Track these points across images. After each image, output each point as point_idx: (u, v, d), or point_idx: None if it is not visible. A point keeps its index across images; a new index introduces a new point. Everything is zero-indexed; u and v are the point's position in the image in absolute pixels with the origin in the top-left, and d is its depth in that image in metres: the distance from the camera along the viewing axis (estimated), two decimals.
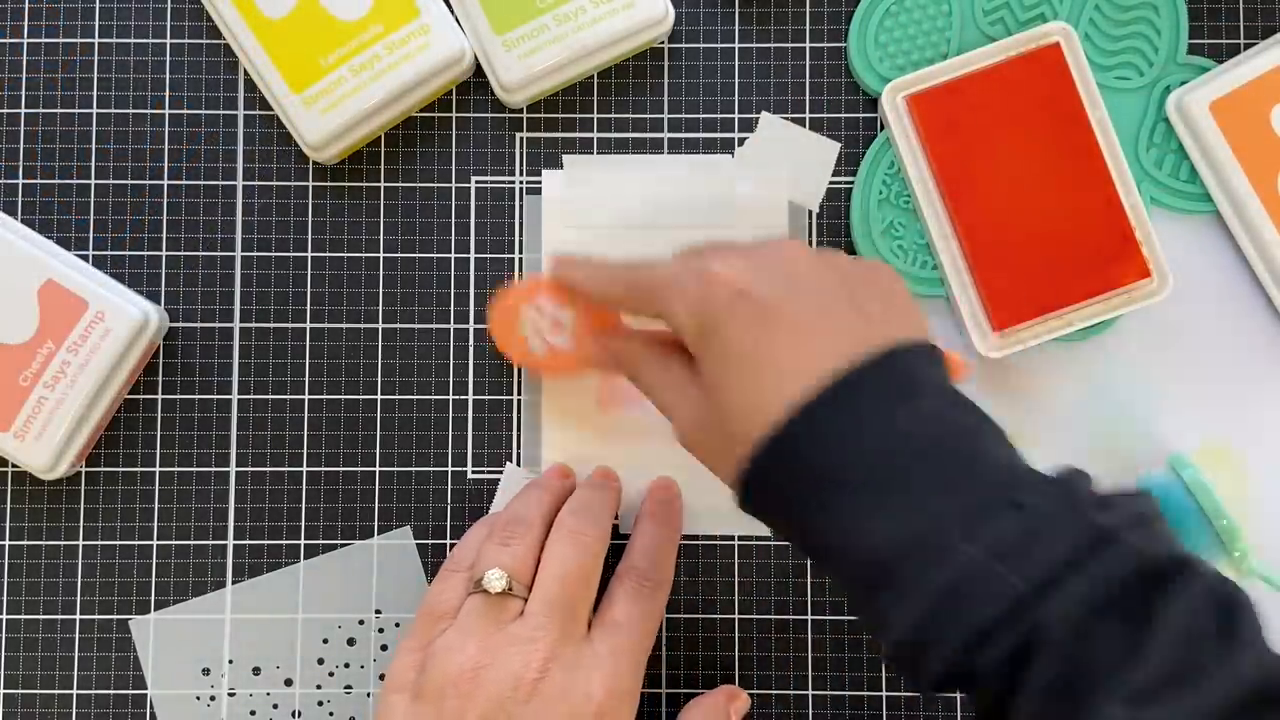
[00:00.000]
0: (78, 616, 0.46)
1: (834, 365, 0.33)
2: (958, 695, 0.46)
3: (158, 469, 0.47)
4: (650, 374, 0.39)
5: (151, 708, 0.46)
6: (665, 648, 0.47)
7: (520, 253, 0.48)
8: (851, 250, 0.47)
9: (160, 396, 0.47)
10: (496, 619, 0.39)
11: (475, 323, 0.47)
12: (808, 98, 0.48)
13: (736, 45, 0.48)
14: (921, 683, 0.32)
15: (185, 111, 0.48)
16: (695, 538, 0.47)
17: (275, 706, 0.46)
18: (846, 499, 0.32)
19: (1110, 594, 0.29)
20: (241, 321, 0.47)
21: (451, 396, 0.47)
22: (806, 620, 0.47)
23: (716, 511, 0.47)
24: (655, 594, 0.42)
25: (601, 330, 0.43)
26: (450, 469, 0.47)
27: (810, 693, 0.46)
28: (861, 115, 0.48)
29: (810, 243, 0.47)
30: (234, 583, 0.47)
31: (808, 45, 0.48)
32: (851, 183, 0.47)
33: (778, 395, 0.33)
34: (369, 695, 0.46)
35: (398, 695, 0.39)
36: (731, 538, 0.47)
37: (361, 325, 0.47)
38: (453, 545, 0.47)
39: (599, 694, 0.38)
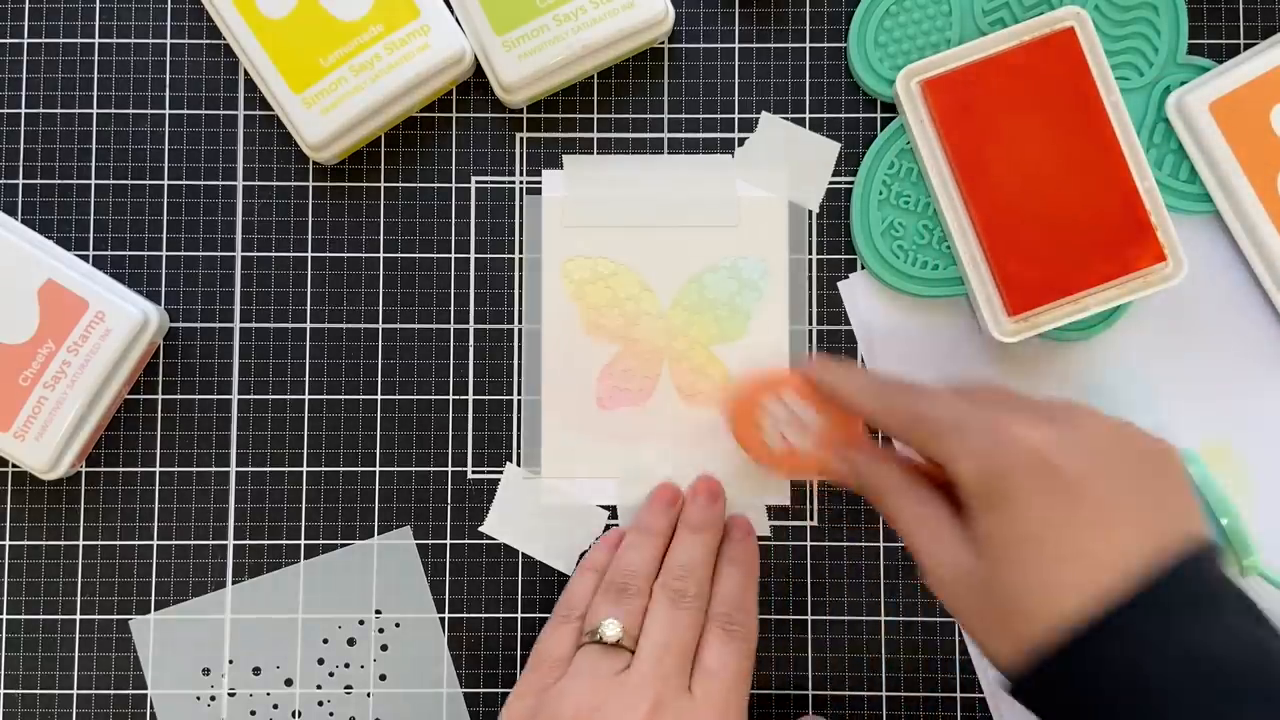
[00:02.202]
0: (78, 616, 0.46)
1: (1139, 560, 0.32)
2: (957, 694, 0.46)
3: (158, 469, 0.47)
4: (906, 509, 0.37)
5: (151, 708, 0.46)
6: None
7: (520, 253, 0.48)
8: (851, 250, 0.47)
9: (160, 396, 0.47)
10: (609, 668, 0.39)
11: (475, 323, 0.47)
12: (808, 98, 0.48)
13: (736, 45, 0.48)
14: None
15: (185, 111, 0.48)
16: None
17: (275, 706, 0.46)
18: (1153, 716, 0.30)
19: None
20: (241, 321, 0.47)
21: (451, 396, 0.47)
22: (807, 620, 0.47)
23: None
24: (745, 635, 0.41)
25: (846, 442, 0.42)
26: (450, 469, 0.47)
27: (810, 693, 0.46)
28: (861, 115, 0.48)
29: (810, 244, 0.47)
30: (234, 583, 0.47)
31: (808, 45, 0.48)
32: (851, 183, 0.47)
33: (1081, 586, 0.32)
34: (369, 695, 0.46)
35: None
36: None
37: (361, 325, 0.47)
38: (453, 545, 0.47)
39: None
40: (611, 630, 0.40)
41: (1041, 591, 0.32)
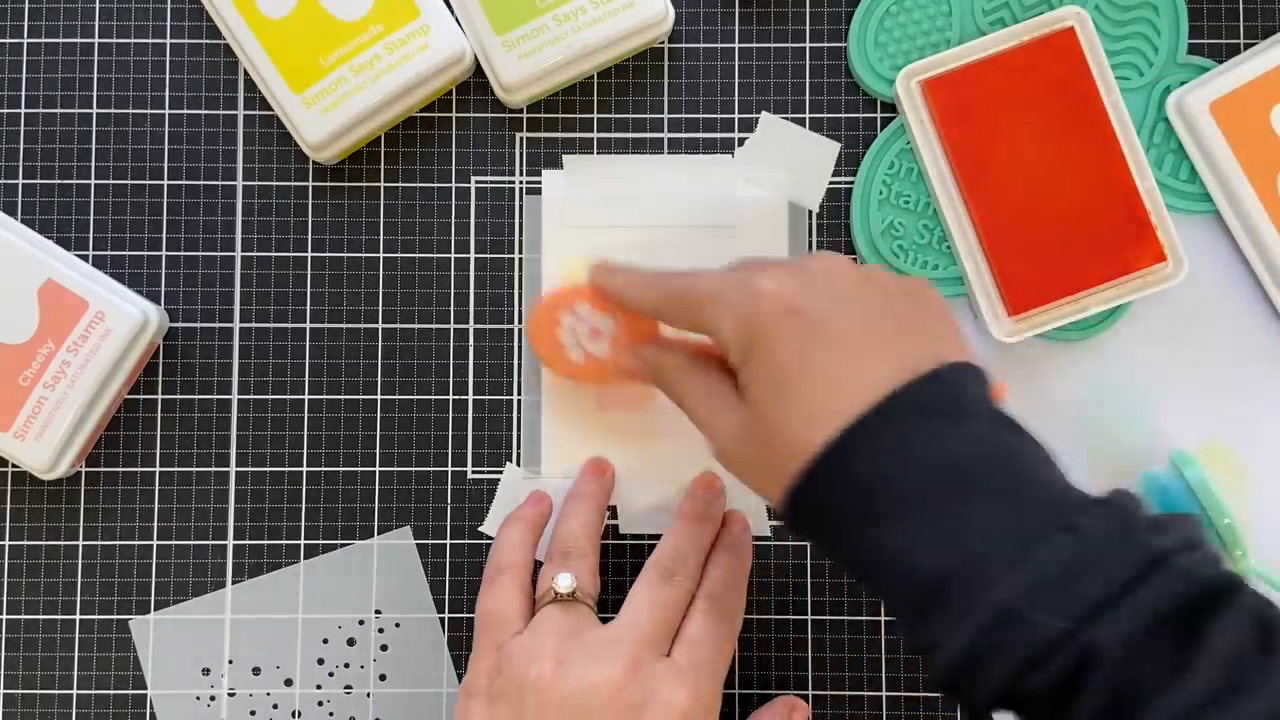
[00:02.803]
0: (78, 616, 0.46)
1: (884, 383, 0.33)
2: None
3: (158, 469, 0.47)
4: (688, 386, 0.39)
5: (151, 708, 0.46)
6: None
7: (520, 253, 0.48)
8: (851, 250, 0.47)
9: (160, 396, 0.47)
10: (571, 624, 0.39)
11: (475, 323, 0.47)
12: (808, 98, 0.48)
13: (736, 45, 0.48)
14: (970, 706, 0.32)
15: (185, 111, 0.48)
16: None
17: (275, 706, 0.46)
18: (897, 517, 0.32)
19: (1161, 617, 0.29)
20: (241, 321, 0.47)
21: (451, 396, 0.47)
22: (806, 620, 0.47)
23: None
24: (730, 617, 0.42)
25: (640, 341, 0.43)
26: (450, 469, 0.47)
27: (810, 693, 0.46)
28: (861, 115, 0.48)
29: (810, 245, 0.47)
30: (234, 583, 0.47)
31: (808, 45, 0.48)
32: (851, 183, 0.47)
33: (829, 412, 0.33)
34: (369, 695, 0.46)
35: (474, 700, 0.39)
36: None
37: (361, 325, 0.47)
38: (453, 545, 0.47)
39: (681, 704, 0.38)
40: (564, 582, 0.40)
41: (794, 426, 0.34)
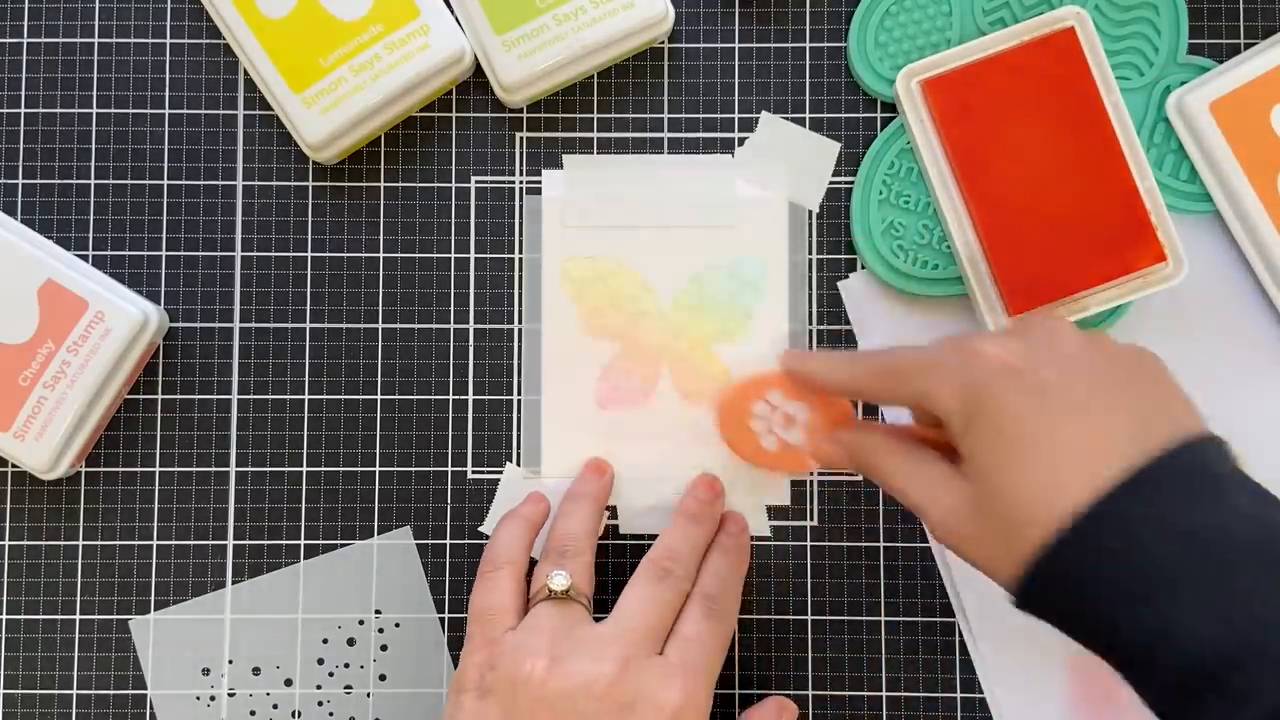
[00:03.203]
0: (78, 616, 0.46)
1: (1129, 452, 0.31)
2: (957, 694, 0.46)
3: (158, 469, 0.47)
4: (897, 465, 0.37)
5: (151, 708, 0.46)
6: None
7: (520, 253, 0.48)
8: (851, 250, 0.47)
9: (160, 396, 0.47)
10: (566, 621, 0.39)
11: (475, 323, 0.47)
12: (808, 98, 0.48)
13: (736, 45, 0.48)
14: None
15: (185, 111, 0.48)
16: None
17: (275, 706, 0.46)
18: (1158, 595, 0.30)
19: None
20: (241, 321, 0.47)
21: (451, 396, 0.47)
22: (806, 620, 0.47)
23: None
24: (724, 618, 0.41)
25: (835, 425, 0.42)
26: (450, 469, 0.47)
27: (810, 693, 0.46)
28: (861, 115, 0.48)
29: (810, 244, 0.47)
30: (234, 583, 0.47)
31: (808, 45, 0.48)
32: (851, 183, 0.47)
33: (1071, 481, 0.31)
34: (369, 695, 0.46)
35: (465, 695, 0.39)
36: None
37: (361, 325, 0.47)
38: (453, 545, 0.47)
39: (673, 701, 0.37)
40: (559, 580, 0.40)
41: (1031, 496, 0.32)
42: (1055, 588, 0.32)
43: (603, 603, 0.42)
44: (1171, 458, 0.31)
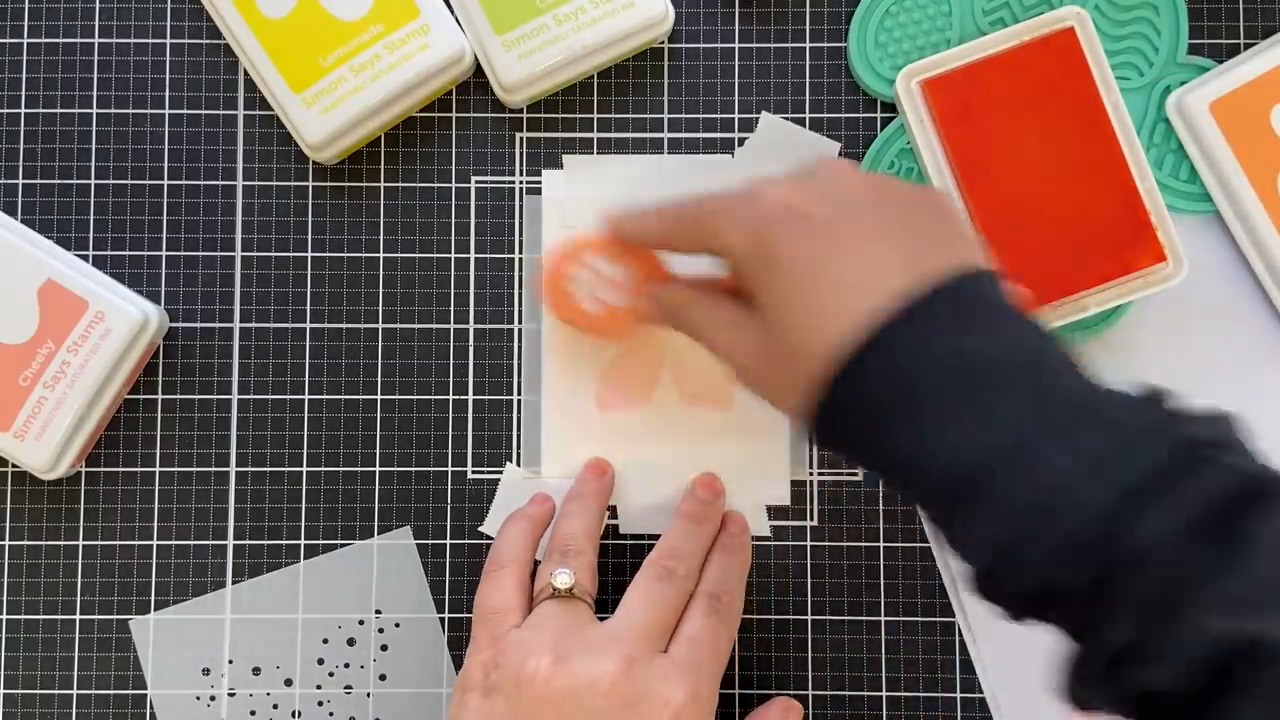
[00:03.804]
0: (78, 616, 0.46)
1: (901, 284, 0.32)
2: (957, 694, 0.46)
3: (158, 469, 0.47)
4: (702, 315, 0.39)
5: (151, 708, 0.46)
6: None
7: (520, 253, 0.48)
8: None
9: (160, 396, 0.47)
10: (569, 620, 0.39)
11: (475, 323, 0.47)
12: (808, 98, 0.48)
13: (736, 45, 0.48)
14: (1009, 604, 0.31)
15: (185, 111, 0.48)
16: None
17: (275, 706, 0.46)
18: (926, 413, 0.31)
19: (1208, 510, 0.29)
20: (241, 321, 0.47)
21: (451, 396, 0.47)
22: (806, 620, 0.47)
23: None
24: (728, 617, 0.42)
25: (649, 282, 0.43)
26: (450, 469, 0.47)
27: (810, 693, 0.46)
28: (861, 115, 0.48)
29: None
30: (234, 583, 0.47)
31: (808, 45, 0.48)
32: None
33: (846, 314, 0.33)
34: (369, 695, 0.46)
35: (470, 693, 0.39)
36: None
37: (361, 325, 0.47)
38: (453, 545, 0.47)
39: (678, 698, 0.38)
40: (563, 578, 0.40)
41: (809, 331, 0.33)
42: (835, 417, 0.34)
43: (604, 603, 0.42)
44: (942, 288, 0.33)
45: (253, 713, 0.46)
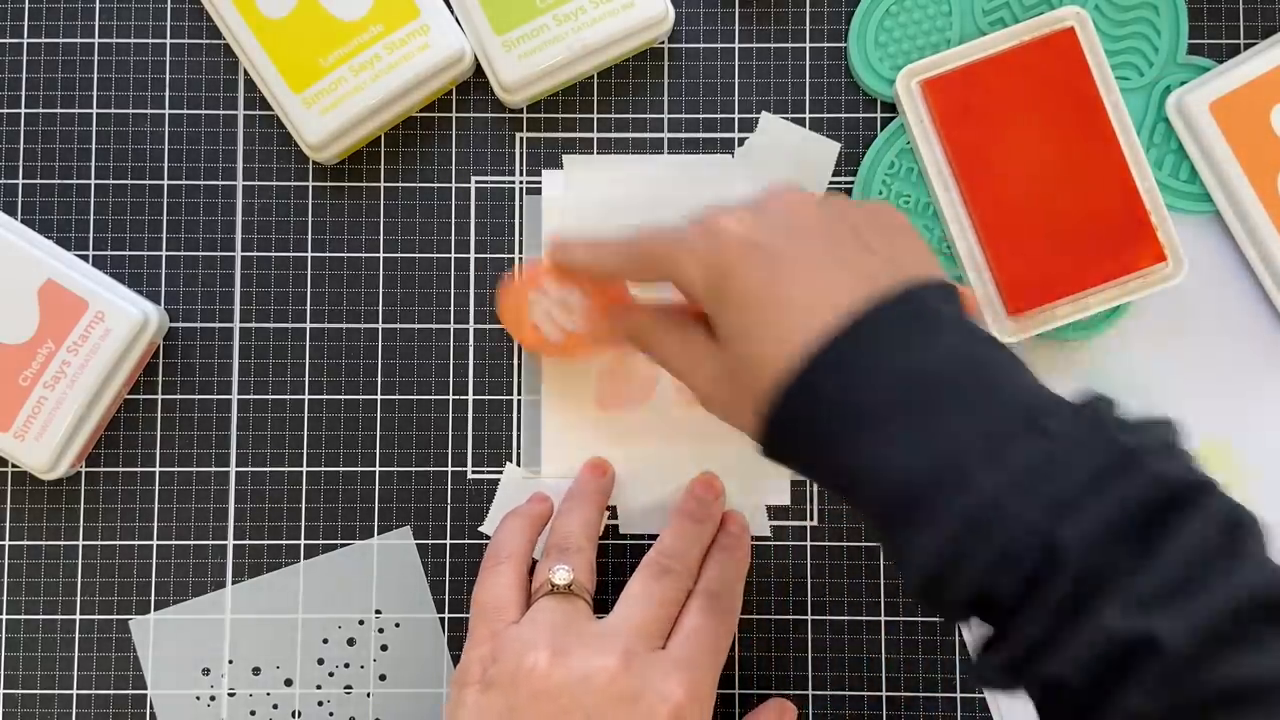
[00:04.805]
0: (78, 616, 0.46)
1: (849, 303, 0.33)
2: (957, 694, 0.46)
3: (158, 469, 0.47)
4: (663, 340, 0.39)
5: (151, 708, 0.46)
6: None
7: (520, 253, 0.48)
8: None
9: (160, 396, 0.47)
10: (568, 616, 0.39)
11: (475, 323, 0.47)
12: (808, 98, 0.48)
13: (736, 45, 0.48)
14: (946, 611, 0.32)
15: (185, 111, 0.48)
16: None
17: (275, 706, 0.46)
18: (869, 431, 0.32)
19: (1128, 515, 0.30)
20: (241, 321, 0.47)
21: (451, 396, 0.47)
22: (806, 620, 0.47)
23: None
24: (726, 615, 0.42)
25: (611, 307, 0.43)
26: (450, 469, 0.47)
27: (810, 693, 0.46)
28: (861, 115, 0.48)
29: None
30: (234, 583, 0.47)
31: (808, 45, 0.48)
32: (851, 183, 0.47)
33: (795, 335, 0.33)
34: (369, 695, 0.46)
35: (467, 689, 0.39)
36: None
37: (361, 325, 0.47)
38: (453, 545, 0.47)
39: (676, 695, 0.38)
40: (561, 575, 0.40)
41: (763, 355, 0.34)
42: (787, 435, 0.35)
43: (602, 603, 0.42)
44: (890, 304, 0.33)
45: (253, 713, 0.46)
